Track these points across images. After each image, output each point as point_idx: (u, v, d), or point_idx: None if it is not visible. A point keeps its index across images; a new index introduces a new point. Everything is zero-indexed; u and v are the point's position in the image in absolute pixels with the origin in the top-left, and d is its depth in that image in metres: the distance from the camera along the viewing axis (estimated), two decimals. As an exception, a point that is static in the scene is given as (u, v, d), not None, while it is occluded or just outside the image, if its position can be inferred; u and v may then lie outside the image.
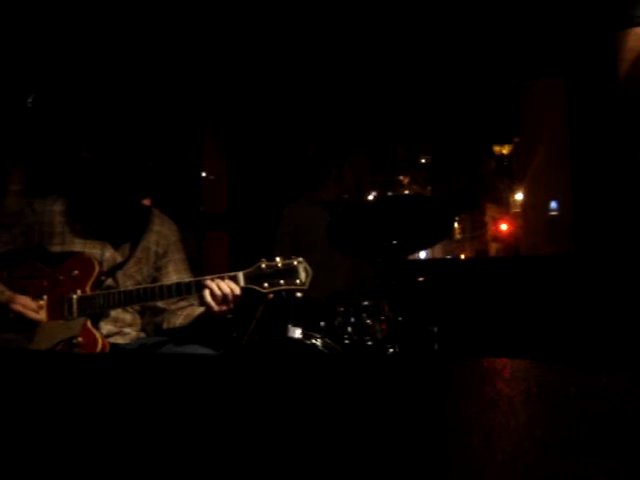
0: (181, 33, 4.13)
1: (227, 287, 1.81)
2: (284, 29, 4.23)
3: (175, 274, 2.12)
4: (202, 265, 3.51)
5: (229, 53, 4.42)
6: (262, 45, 4.38)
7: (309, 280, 1.80)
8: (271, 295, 1.83)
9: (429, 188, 5.76)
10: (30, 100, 3.08)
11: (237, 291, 1.81)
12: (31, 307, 1.89)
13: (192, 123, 4.57)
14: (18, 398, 0.94)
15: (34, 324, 1.89)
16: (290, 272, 1.79)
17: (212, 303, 1.81)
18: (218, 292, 1.80)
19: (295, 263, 1.80)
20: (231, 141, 5.20)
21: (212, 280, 1.82)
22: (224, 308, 1.82)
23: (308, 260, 1.86)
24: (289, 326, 2.55)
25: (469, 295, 4.14)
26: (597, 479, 0.64)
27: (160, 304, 2.07)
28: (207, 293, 1.82)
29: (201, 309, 2.01)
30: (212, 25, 4.14)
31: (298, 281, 1.79)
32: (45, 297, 1.93)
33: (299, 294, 1.82)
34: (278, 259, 1.81)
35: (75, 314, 1.90)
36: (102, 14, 3.76)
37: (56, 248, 1.98)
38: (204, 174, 4.13)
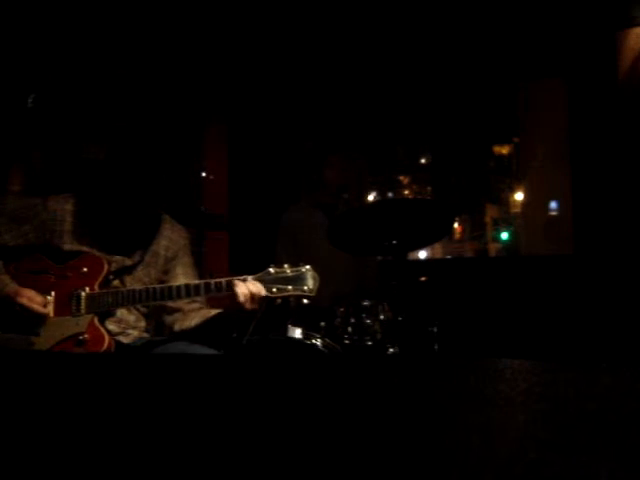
0: (182, 34, 4.13)
1: (255, 287, 1.90)
2: (284, 31, 4.24)
3: (183, 277, 2.14)
4: (202, 265, 3.50)
5: (230, 54, 4.42)
6: (262, 45, 4.38)
7: (317, 287, 1.90)
8: (279, 300, 1.90)
9: (429, 188, 5.75)
10: (30, 100, 3.08)
11: (263, 292, 1.90)
12: (37, 301, 1.89)
13: (193, 123, 4.57)
14: (18, 398, 0.94)
15: (40, 319, 1.89)
16: (298, 279, 1.89)
17: (242, 301, 1.89)
18: (246, 291, 1.89)
19: (303, 270, 1.90)
20: (232, 141, 5.19)
21: (242, 281, 1.92)
22: (250, 307, 1.90)
23: (308, 262, 1.91)
24: (289, 326, 2.56)
25: (469, 295, 4.14)
26: (597, 479, 0.64)
27: (172, 305, 2.09)
28: (240, 292, 1.89)
29: (216, 310, 2.08)
30: (214, 25, 4.15)
31: (306, 287, 1.89)
32: (53, 293, 1.94)
33: (306, 300, 1.91)
34: (286, 266, 1.91)
35: (83, 311, 1.91)
36: (103, 15, 3.76)
37: (66, 246, 1.99)
38: (204, 174, 4.14)
